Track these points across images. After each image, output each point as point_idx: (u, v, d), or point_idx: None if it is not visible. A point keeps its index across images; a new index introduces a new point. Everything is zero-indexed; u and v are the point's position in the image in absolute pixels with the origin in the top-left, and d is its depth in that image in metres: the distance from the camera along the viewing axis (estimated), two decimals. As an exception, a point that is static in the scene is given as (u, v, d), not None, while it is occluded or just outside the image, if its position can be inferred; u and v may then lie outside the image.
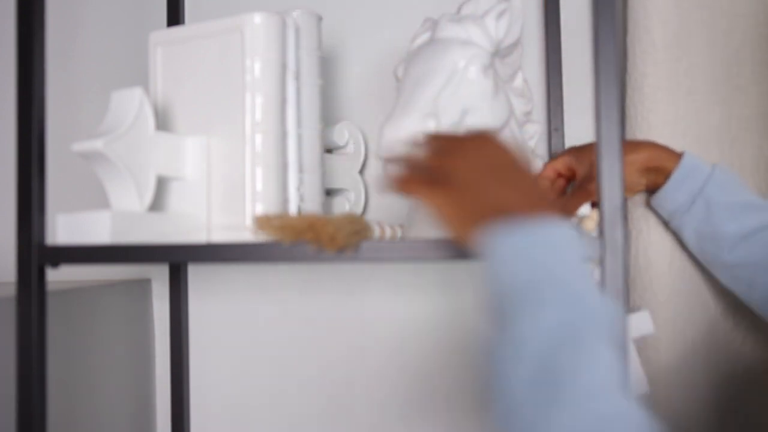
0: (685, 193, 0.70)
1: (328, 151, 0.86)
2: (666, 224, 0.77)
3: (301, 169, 0.69)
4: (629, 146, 0.71)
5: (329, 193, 0.84)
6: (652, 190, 0.75)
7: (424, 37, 0.68)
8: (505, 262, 0.44)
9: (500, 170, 0.49)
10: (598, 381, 0.38)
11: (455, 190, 0.49)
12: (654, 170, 0.71)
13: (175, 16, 0.91)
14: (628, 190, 0.73)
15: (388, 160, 0.55)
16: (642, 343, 0.75)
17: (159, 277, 0.96)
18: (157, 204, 0.66)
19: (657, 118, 0.77)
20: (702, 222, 0.70)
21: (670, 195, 0.71)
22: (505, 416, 0.41)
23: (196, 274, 0.95)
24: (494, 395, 0.43)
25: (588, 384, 0.38)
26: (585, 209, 0.70)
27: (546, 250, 0.43)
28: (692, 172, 0.69)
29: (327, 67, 0.90)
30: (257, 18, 0.64)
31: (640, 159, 0.71)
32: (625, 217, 0.77)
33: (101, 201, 0.63)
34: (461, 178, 0.48)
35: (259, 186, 0.63)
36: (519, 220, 0.44)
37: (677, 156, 0.70)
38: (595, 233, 0.59)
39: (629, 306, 0.78)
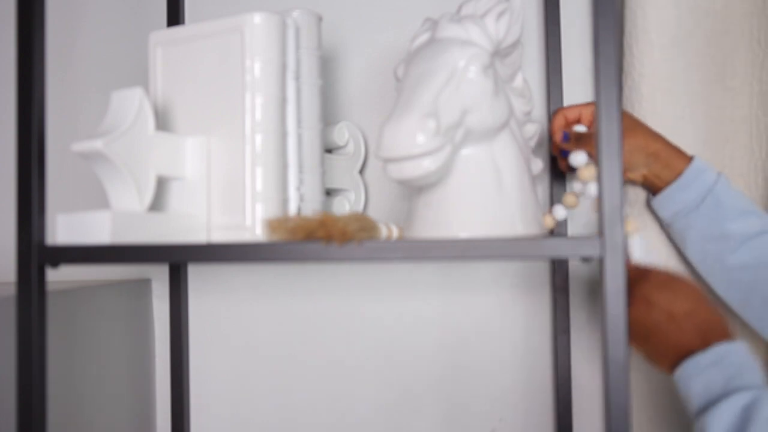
0: (694, 191, 0.70)
1: (328, 151, 0.86)
2: (665, 228, 0.77)
3: (301, 169, 0.69)
4: (646, 131, 0.72)
5: (329, 193, 0.84)
6: (652, 189, 0.75)
7: (424, 37, 0.68)
8: (690, 391, 0.58)
9: (674, 318, 0.60)
10: None
11: (640, 339, 0.62)
12: (661, 162, 0.71)
13: (175, 16, 0.91)
14: (626, 170, 0.73)
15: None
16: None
17: (159, 277, 0.96)
18: (157, 204, 0.66)
19: (654, 119, 0.77)
20: (710, 220, 0.70)
21: (678, 194, 0.71)
22: None
23: (196, 274, 0.95)
24: None
25: None
26: (581, 159, 0.72)
27: (719, 372, 0.57)
28: (702, 173, 0.70)
29: (327, 67, 0.91)
30: (257, 18, 0.64)
31: (654, 146, 0.71)
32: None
33: (101, 201, 0.63)
34: (640, 330, 0.62)
35: (259, 186, 0.63)
36: (689, 353, 0.59)
37: (687, 156, 0.72)
38: (591, 182, 0.69)
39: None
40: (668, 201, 0.73)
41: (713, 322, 0.60)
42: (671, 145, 0.72)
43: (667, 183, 0.72)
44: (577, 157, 0.72)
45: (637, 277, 0.64)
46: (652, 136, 0.72)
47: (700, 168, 0.71)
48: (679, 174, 0.71)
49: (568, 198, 0.74)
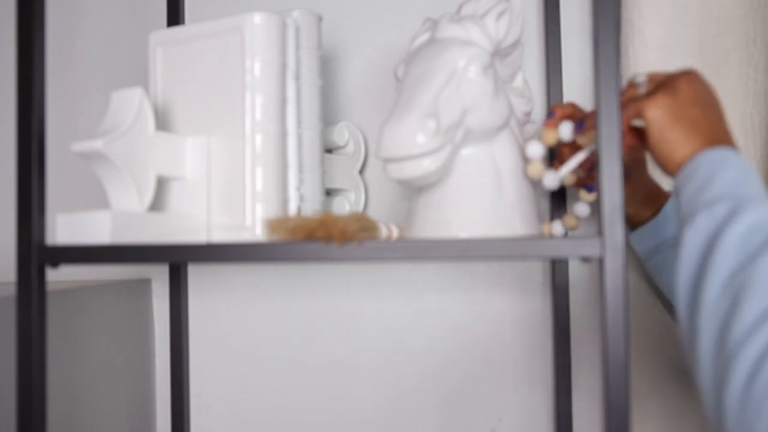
0: (675, 225, 0.69)
1: (328, 151, 0.86)
2: (641, 262, 0.76)
3: (301, 169, 0.69)
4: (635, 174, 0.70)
5: (329, 193, 0.84)
6: (630, 224, 0.73)
7: (424, 37, 0.68)
8: (720, 173, 0.52)
9: (710, 103, 0.57)
10: None
11: (678, 103, 0.56)
12: (652, 202, 0.71)
13: (175, 16, 0.91)
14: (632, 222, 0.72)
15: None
16: None
17: (159, 277, 0.96)
18: (157, 204, 0.66)
19: None
20: None
21: (657, 229, 0.70)
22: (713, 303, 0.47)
23: (196, 274, 0.95)
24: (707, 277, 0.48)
25: None
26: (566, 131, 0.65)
27: (753, 174, 0.52)
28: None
29: (327, 67, 0.90)
30: (257, 18, 0.64)
31: (644, 189, 0.70)
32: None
33: (101, 201, 0.63)
34: (681, 94, 0.56)
35: (259, 186, 0.63)
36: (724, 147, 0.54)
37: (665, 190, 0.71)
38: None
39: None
40: (646, 236, 0.71)
41: (730, 137, 0.57)
42: (653, 182, 0.71)
43: (647, 218, 0.71)
44: (566, 129, 0.65)
45: (659, 83, 0.59)
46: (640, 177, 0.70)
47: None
48: (659, 208, 0.70)
49: (569, 220, 0.72)
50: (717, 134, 0.55)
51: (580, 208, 0.71)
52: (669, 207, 0.69)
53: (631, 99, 0.59)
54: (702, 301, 0.47)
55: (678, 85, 0.57)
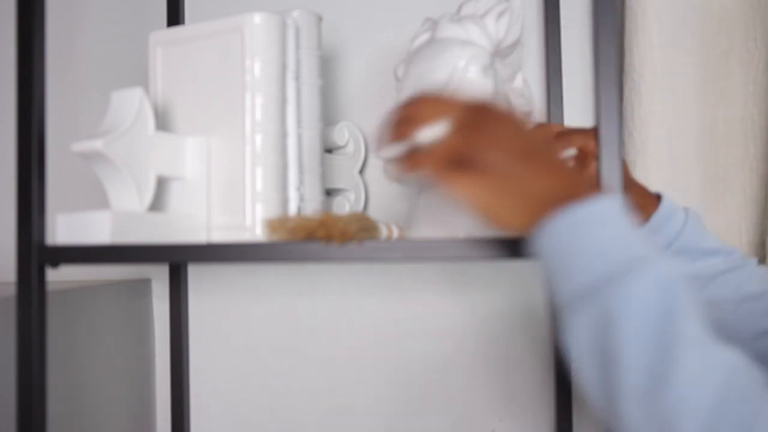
0: (663, 237, 0.64)
1: (328, 151, 0.86)
2: None
3: (301, 169, 0.69)
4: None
5: (329, 193, 0.84)
6: None
7: (424, 37, 0.68)
8: (574, 256, 0.42)
9: (530, 150, 0.45)
10: (699, 341, 0.39)
11: (490, 177, 0.45)
12: (630, 205, 0.68)
13: (175, 16, 0.91)
14: None
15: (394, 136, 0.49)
16: None
17: (159, 277, 0.96)
18: (157, 204, 0.66)
19: (653, 118, 0.77)
20: (678, 263, 0.65)
21: (654, 231, 0.65)
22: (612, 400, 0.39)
23: (196, 274, 0.95)
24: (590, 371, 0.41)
25: (693, 353, 0.38)
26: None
27: (616, 231, 0.42)
28: (671, 218, 0.64)
29: (327, 67, 0.90)
30: (257, 18, 0.63)
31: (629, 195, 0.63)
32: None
33: (101, 201, 0.63)
34: (495, 163, 0.45)
35: (259, 186, 0.63)
36: (565, 204, 0.43)
37: (654, 198, 0.66)
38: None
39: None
40: None
41: (573, 171, 0.47)
42: (638, 185, 0.66)
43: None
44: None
45: (469, 103, 0.48)
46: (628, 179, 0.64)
47: (669, 213, 0.64)
48: (647, 218, 0.66)
49: None
50: (549, 183, 0.45)
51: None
52: (657, 216, 0.64)
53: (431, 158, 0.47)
54: (620, 393, 0.39)
55: (481, 149, 0.45)
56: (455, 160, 0.46)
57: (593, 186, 0.46)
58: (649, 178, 0.77)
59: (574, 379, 0.42)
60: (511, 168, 0.45)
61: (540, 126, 0.49)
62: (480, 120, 0.47)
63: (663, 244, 0.66)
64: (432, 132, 0.48)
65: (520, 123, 0.47)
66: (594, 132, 0.62)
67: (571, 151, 0.64)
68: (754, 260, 0.66)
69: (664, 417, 0.37)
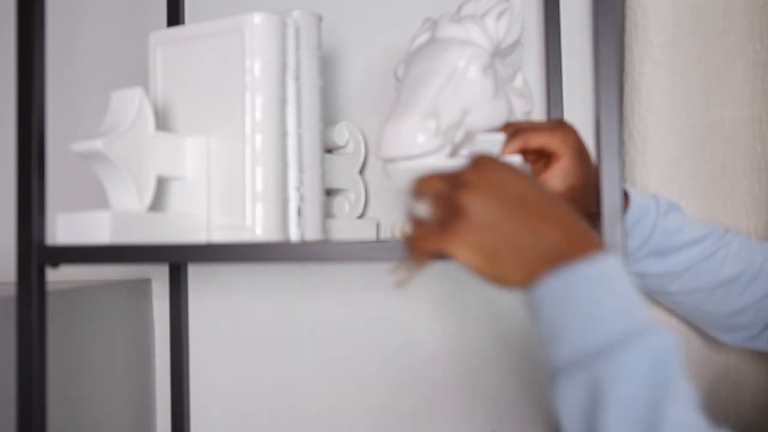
0: (635, 239, 0.63)
1: (328, 151, 0.86)
2: None
3: (301, 169, 0.69)
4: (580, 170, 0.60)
5: (329, 193, 0.84)
6: None
7: (424, 37, 0.68)
8: (566, 318, 0.41)
9: (520, 200, 0.43)
10: (685, 428, 0.37)
11: (473, 232, 0.43)
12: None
13: (175, 16, 0.91)
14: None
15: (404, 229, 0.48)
16: None
17: (159, 277, 0.96)
18: (157, 204, 0.66)
19: (654, 118, 0.77)
20: (649, 263, 0.65)
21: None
22: None
23: (196, 274, 0.95)
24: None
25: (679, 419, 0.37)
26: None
27: (609, 296, 0.40)
28: (643, 216, 0.62)
29: (327, 67, 0.90)
30: (257, 18, 0.64)
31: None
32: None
33: (101, 201, 0.63)
34: (477, 215, 0.42)
35: (259, 186, 0.63)
36: (561, 261, 0.41)
37: (625, 198, 0.63)
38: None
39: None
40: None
41: (575, 217, 0.44)
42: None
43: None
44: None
45: (467, 165, 0.46)
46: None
47: (639, 214, 0.62)
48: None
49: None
50: (545, 236, 0.42)
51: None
52: (628, 217, 0.62)
53: (424, 230, 0.46)
54: None
55: (465, 205, 0.43)
56: (441, 225, 0.44)
57: (592, 241, 0.43)
58: (649, 178, 0.77)
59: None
60: (500, 222, 0.42)
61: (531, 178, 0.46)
62: (468, 175, 0.44)
63: (634, 247, 0.65)
64: (423, 208, 0.46)
65: (513, 173, 0.45)
66: (562, 129, 0.60)
67: (515, 158, 0.60)
68: (736, 237, 0.65)
69: None
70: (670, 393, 0.38)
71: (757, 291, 0.64)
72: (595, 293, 0.40)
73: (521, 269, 0.43)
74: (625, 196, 0.63)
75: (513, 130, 0.61)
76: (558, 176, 0.59)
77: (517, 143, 0.60)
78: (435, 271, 0.90)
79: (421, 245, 0.46)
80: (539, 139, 0.60)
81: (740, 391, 0.77)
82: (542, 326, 0.42)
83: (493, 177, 0.44)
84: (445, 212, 0.44)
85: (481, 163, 0.45)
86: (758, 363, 0.77)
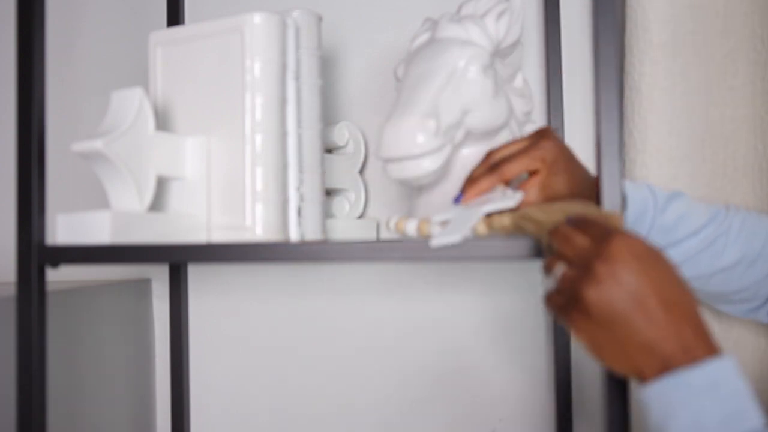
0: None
1: (328, 151, 0.86)
2: None
3: (301, 169, 0.69)
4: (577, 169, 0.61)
5: (329, 193, 0.84)
6: None
7: (424, 37, 0.68)
8: (671, 422, 0.42)
9: (639, 301, 0.43)
10: None
11: (593, 325, 0.44)
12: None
13: (175, 16, 0.91)
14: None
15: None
16: None
17: (159, 277, 0.96)
18: (157, 204, 0.66)
19: (654, 117, 0.77)
20: None
21: None
22: None
23: (196, 274, 0.95)
24: None
25: None
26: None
27: (715, 404, 0.41)
28: (641, 216, 0.62)
29: (327, 67, 0.90)
30: (257, 18, 0.64)
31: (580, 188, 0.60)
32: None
33: (101, 201, 0.63)
34: (593, 311, 0.44)
35: (259, 186, 0.63)
36: (670, 367, 0.42)
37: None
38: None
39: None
40: None
41: (697, 320, 0.44)
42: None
43: None
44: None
45: (599, 246, 0.45)
46: (581, 173, 0.61)
47: (637, 211, 0.61)
48: None
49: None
50: (656, 341, 0.43)
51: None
52: (627, 217, 0.61)
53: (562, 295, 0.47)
54: None
55: (586, 298, 0.44)
56: (568, 302, 0.46)
57: (707, 345, 0.43)
58: (649, 177, 0.77)
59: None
60: (613, 322, 0.43)
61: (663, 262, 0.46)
62: (597, 266, 0.44)
63: None
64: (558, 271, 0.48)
65: (641, 265, 0.44)
66: (536, 147, 0.59)
67: (517, 195, 0.59)
68: (737, 215, 0.64)
69: None
70: None
71: (758, 272, 0.64)
72: (701, 402, 0.41)
73: (629, 369, 0.44)
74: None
75: (488, 165, 0.61)
76: (534, 189, 0.60)
77: (494, 179, 0.60)
78: (434, 271, 0.90)
79: (548, 307, 0.48)
80: (514, 169, 0.60)
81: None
82: (650, 424, 0.44)
83: (618, 271, 0.44)
84: (568, 298, 0.46)
85: (614, 252, 0.44)
86: (759, 334, 0.77)
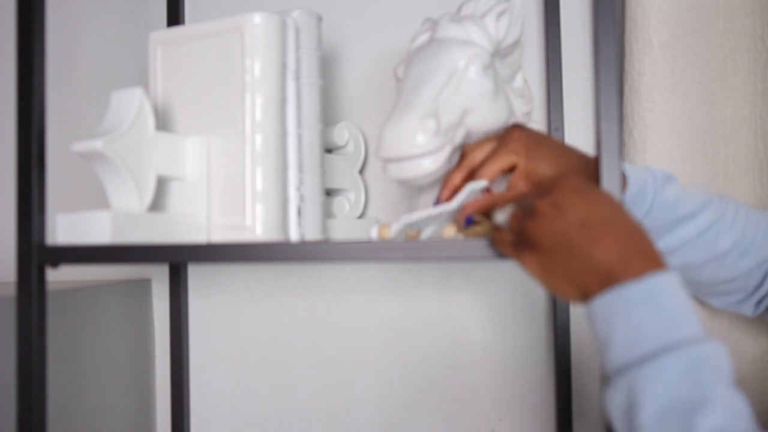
0: (635, 213, 0.62)
1: (328, 151, 0.86)
2: None
3: (301, 169, 0.69)
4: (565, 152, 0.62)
5: (329, 193, 0.84)
6: None
7: (424, 37, 0.68)
8: (613, 334, 0.45)
9: (580, 225, 0.47)
10: (724, 423, 0.40)
11: (541, 255, 0.49)
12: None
13: (175, 16, 0.91)
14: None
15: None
16: None
17: (159, 277, 0.96)
18: (157, 204, 0.66)
19: (653, 117, 0.77)
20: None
21: None
22: None
23: (196, 274, 0.95)
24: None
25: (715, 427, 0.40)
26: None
27: (654, 313, 0.44)
28: (640, 194, 0.62)
29: (327, 67, 0.90)
30: (257, 18, 0.64)
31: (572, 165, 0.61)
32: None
33: (101, 201, 0.63)
34: (539, 242, 0.48)
35: (259, 186, 0.63)
36: (612, 282, 0.45)
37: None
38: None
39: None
40: None
41: (638, 237, 0.46)
42: (589, 160, 0.61)
43: None
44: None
45: (542, 191, 0.50)
46: (572, 155, 0.62)
47: (636, 193, 0.62)
48: None
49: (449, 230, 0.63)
50: (597, 259, 0.46)
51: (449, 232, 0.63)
52: (627, 197, 0.62)
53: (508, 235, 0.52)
54: None
55: (531, 233, 0.49)
56: (517, 240, 0.51)
57: (650, 259, 0.46)
58: (649, 177, 0.77)
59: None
60: (557, 247, 0.47)
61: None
62: (539, 204, 0.49)
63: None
64: (503, 215, 0.56)
65: (580, 196, 0.48)
66: (505, 144, 0.61)
67: (480, 183, 0.60)
68: (729, 204, 0.64)
69: None
70: (707, 402, 0.40)
71: (748, 262, 0.64)
72: (640, 312, 0.44)
73: (575, 288, 0.48)
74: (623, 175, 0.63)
75: (467, 169, 0.62)
76: (520, 180, 0.61)
77: (466, 175, 0.63)
78: (433, 271, 0.91)
79: (498, 247, 0.53)
80: (490, 172, 0.61)
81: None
82: (596, 339, 0.47)
83: (560, 203, 0.48)
84: (517, 235, 0.51)
85: (554, 189, 0.49)
86: (745, 328, 0.77)
